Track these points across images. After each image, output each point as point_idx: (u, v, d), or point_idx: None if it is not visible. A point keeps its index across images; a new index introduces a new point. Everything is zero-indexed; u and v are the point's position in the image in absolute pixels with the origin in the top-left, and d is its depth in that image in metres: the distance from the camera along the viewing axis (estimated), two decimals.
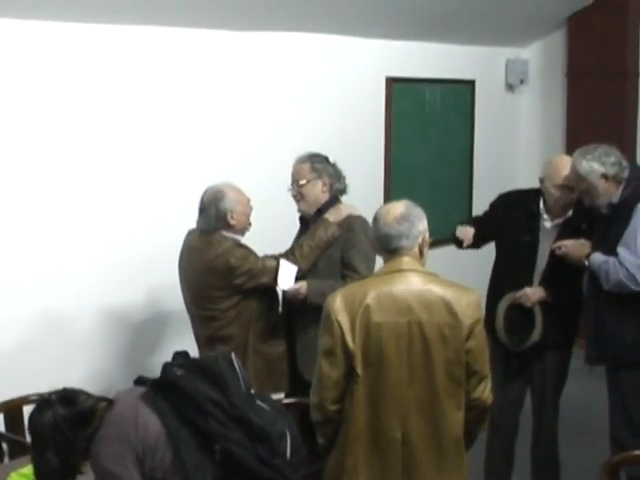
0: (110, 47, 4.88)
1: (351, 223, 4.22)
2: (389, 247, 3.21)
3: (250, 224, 4.24)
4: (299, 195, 4.29)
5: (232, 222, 4.09)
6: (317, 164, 4.26)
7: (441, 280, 3.24)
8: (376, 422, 3.18)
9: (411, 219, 3.20)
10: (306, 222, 4.41)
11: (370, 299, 3.14)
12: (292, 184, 4.31)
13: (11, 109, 4.53)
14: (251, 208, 4.23)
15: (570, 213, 4.39)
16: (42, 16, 4.52)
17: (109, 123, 4.92)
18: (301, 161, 4.30)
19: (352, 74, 6.28)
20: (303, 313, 4.18)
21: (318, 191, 4.27)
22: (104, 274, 4.92)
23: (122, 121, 4.98)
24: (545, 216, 4.41)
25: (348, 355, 3.13)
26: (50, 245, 4.72)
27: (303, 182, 4.25)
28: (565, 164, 4.29)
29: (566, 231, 4.33)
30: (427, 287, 3.17)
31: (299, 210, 4.38)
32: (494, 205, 4.68)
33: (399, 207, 3.23)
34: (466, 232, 4.59)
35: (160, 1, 4.79)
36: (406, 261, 3.18)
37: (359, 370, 3.13)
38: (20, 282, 4.61)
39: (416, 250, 3.22)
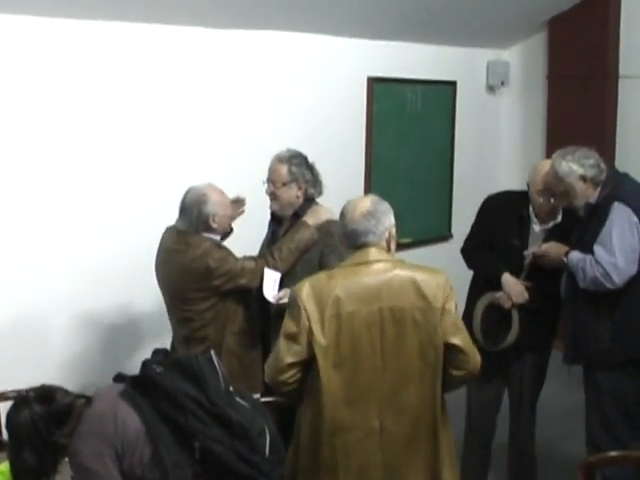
0: (93, 44, 4.85)
1: (330, 228, 4.19)
2: (356, 243, 3.24)
3: (232, 229, 4.25)
4: (273, 195, 4.28)
5: (214, 225, 4.06)
6: (295, 167, 4.23)
7: (409, 265, 3.27)
8: (353, 414, 3.18)
9: (377, 215, 3.24)
10: (278, 220, 4.39)
11: (339, 289, 3.16)
12: (268, 182, 4.28)
13: (1, 103, 4.52)
14: (232, 210, 4.21)
15: (559, 219, 4.40)
16: (34, 12, 4.51)
17: (91, 120, 4.89)
18: (279, 161, 4.26)
19: (333, 73, 6.27)
20: (278, 317, 4.15)
21: (292, 195, 4.25)
22: (82, 271, 4.89)
23: (103, 118, 4.94)
24: (535, 220, 4.42)
25: (312, 345, 3.13)
26: (28, 242, 4.68)
27: (278, 185, 4.23)
28: (541, 170, 4.30)
29: (554, 236, 4.33)
30: (395, 273, 3.20)
31: (271, 208, 4.37)
32: (483, 209, 4.62)
33: (365, 203, 3.28)
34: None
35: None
36: (373, 252, 3.22)
37: (328, 363, 3.13)
38: None
39: (383, 244, 3.26)
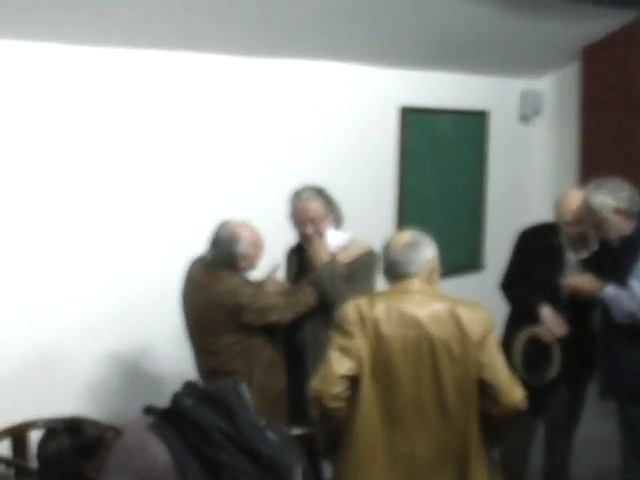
0: (112, 71, 4.84)
1: (361, 262, 4.18)
2: (398, 274, 3.31)
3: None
4: (317, 234, 4.19)
5: (242, 265, 4.04)
6: (325, 199, 4.21)
7: (449, 298, 3.31)
8: (385, 440, 3.22)
9: (418, 245, 3.32)
10: (302, 250, 4.32)
11: (378, 312, 3.22)
12: (305, 223, 4.19)
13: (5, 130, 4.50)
14: (263, 248, 4.13)
15: (596, 247, 4.35)
16: (38, 37, 4.48)
17: (117, 149, 4.88)
18: (310, 199, 4.20)
19: (365, 103, 6.26)
20: (314, 344, 4.12)
21: (329, 227, 4.24)
22: (105, 303, 4.87)
23: (127, 148, 4.93)
24: (568, 249, 4.39)
25: (361, 364, 3.18)
26: (49, 274, 4.67)
27: (320, 221, 4.17)
28: (569, 201, 4.31)
29: (591, 265, 4.30)
30: (436, 304, 3.25)
31: (306, 248, 4.25)
32: (517, 243, 4.61)
33: (407, 235, 3.39)
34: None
35: (166, 25, 4.76)
36: (414, 283, 3.28)
37: (367, 382, 3.18)
38: (20, 312, 4.56)
39: (425, 276, 3.30)
